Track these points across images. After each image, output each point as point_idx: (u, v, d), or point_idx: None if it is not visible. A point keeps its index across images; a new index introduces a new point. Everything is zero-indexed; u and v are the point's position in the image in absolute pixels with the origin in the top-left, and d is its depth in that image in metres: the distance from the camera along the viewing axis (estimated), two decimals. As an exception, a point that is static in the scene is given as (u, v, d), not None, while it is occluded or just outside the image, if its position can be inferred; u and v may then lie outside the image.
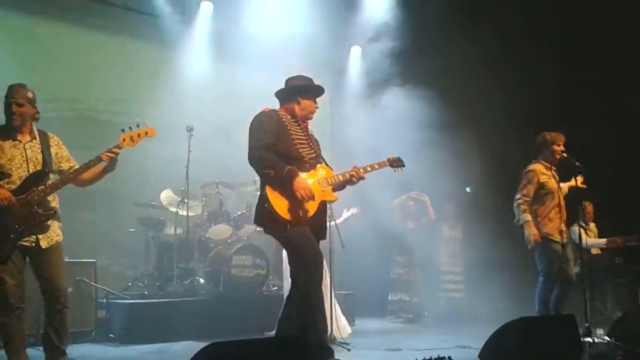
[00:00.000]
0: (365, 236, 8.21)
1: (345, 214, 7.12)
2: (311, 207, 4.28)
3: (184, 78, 8.32)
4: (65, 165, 4.43)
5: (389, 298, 8.80)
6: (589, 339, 5.15)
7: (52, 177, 4.35)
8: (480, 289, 8.06)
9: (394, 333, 7.30)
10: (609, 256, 7.62)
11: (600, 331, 5.56)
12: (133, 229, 7.59)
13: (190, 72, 8.41)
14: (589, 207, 8.04)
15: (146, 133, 4.44)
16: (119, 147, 4.34)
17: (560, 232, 5.72)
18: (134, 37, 8.40)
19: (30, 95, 4.33)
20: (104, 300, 6.58)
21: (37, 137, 4.38)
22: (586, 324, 5.30)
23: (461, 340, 5.72)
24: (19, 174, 4.24)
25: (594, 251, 7.84)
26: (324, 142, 4.87)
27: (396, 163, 4.83)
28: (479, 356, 4.34)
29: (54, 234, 4.32)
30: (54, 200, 4.36)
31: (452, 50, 8.50)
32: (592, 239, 7.81)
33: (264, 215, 4.25)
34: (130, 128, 4.39)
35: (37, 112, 4.39)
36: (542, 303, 5.66)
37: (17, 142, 4.30)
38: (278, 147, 4.30)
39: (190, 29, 8.84)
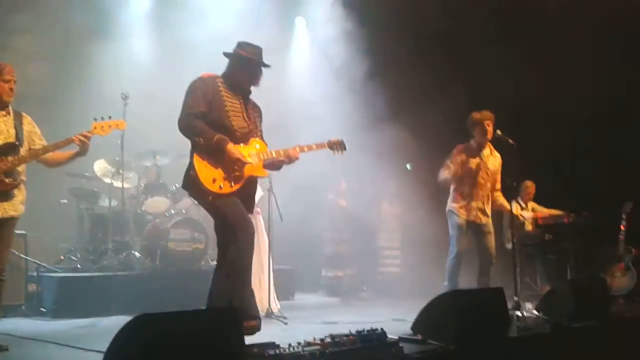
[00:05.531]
0: (302, 213, 8.19)
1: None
2: (237, 181, 4.23)
3: (120, 44, 8.05)
4: (37, 144, 4.55)
5: (323, 274, 8.84)
6: (518, 313, 5.30)
7: (23, 153, 4.44)
8: (416, 264, 8.21)
9: (331, 307, 7.36)
10: (540, 233, 7.83)
11: (529, 305, 5.72)
12: (65, 201, 7.34)
13: (127, 37, 8.14)
14: (531, 187, 8.19)
15: (117, 125, 4.68)
16: (90, 132, 4.50)
17: (469, 209, 5.94)
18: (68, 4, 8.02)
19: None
20: (35, 274, 6.37)
21: (11, 114, 4.46)
22: (515, 298, 5.44)
23: (397, 314, 5.78)
24: None
25: (528, 227, 8.05)
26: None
27: (336, 146, 4.73)
28: (412, 328, 4.41)
29: (11, 208, 4.36)
30: (23, 174, 4.45)
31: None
32: (521, 212, 7.98)
33: (189, 182, 4.26)
34: (103, 118, 4.59)
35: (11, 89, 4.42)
36: (448, 272, 6.02)
37: None
38: (210, 116, 4.21)
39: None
